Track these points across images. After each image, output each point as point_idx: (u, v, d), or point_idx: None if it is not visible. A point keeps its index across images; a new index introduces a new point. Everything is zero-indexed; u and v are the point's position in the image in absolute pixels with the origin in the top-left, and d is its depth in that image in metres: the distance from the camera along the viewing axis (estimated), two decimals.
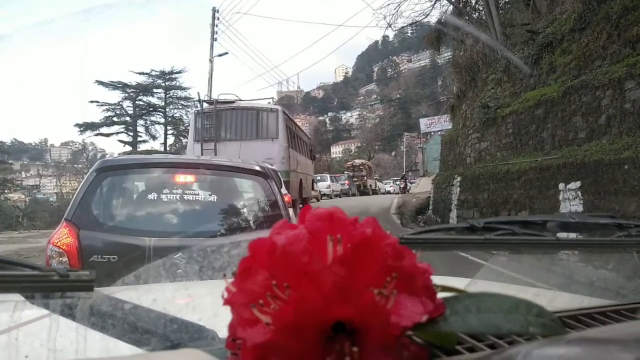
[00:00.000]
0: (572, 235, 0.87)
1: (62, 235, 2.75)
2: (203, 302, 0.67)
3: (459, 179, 11.32)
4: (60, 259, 2.72)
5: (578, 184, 6.77)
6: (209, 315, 0.61)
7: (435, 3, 14.23)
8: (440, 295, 0.45)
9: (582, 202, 6.67)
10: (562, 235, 0.77)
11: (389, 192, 33.93)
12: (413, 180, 34.19)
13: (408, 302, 0.40)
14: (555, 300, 1.12)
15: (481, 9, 13.50)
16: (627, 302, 0.85)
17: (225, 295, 0.43)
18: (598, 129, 7.01)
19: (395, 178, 44.52)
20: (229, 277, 0.44)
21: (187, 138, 15.55)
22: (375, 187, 36.32)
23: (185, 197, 3.08)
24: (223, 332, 0.55)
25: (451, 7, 14.42)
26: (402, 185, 32.58)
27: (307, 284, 0.38)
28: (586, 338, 0.39)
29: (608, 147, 6.44)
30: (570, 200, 6.88)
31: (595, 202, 6.42)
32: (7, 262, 0.46)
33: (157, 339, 0.56)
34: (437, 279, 0.45)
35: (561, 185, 7.12)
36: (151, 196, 3.08)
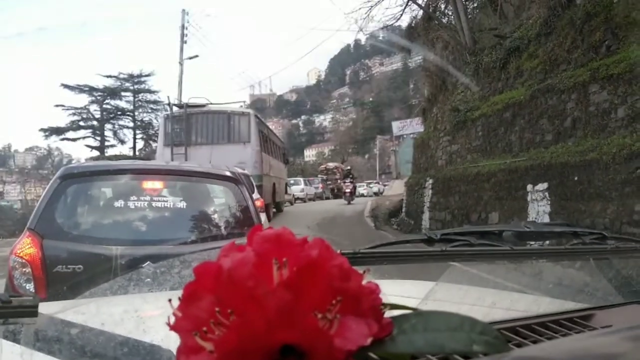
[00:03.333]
0: (529, 244, 0.89)
1: (25, 245, 2.68)
2: (158, 320, 0.66)
3: (430, 181, 11.47)
4: (23, 269, 2.65)
5: (545, 185, 6.93)
6: (163, 334, 0.60)
7: (405, 8, 14.41)
8: (390, 314, 0.45)
9: (549, 203, 6.83)
10: (518, 244, 0.78)
11: (362, 195, 33.65)
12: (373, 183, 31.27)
13: (353, 325, 0.40)
14: (515, 304, 1.14)
15: (450, 13, 13.72)
16: (581, 309, 0.87)
17: (172, 320, 0.42)
18: (564, 132, 7.19)
19: (369, 181, 44.17)
20: (175, 302, 0.43)
21: (156, 142, 15.38)
22: None
23: (154, 204, 3.03)
24: None
25: (421, 11, 14.62)
26: (348, 190, 22.69)
27: (252, 309, 0.38)
28: (526, 357, 0.40)
29: (574, 149, 6.61)
30: (538, 202, 7.04)
31: (562, 203, 6.58)
32: None
33: None
34: (400, 285, 0.45)
35: (529, 187, 7.28)
36: (118, 203, 3.02)
